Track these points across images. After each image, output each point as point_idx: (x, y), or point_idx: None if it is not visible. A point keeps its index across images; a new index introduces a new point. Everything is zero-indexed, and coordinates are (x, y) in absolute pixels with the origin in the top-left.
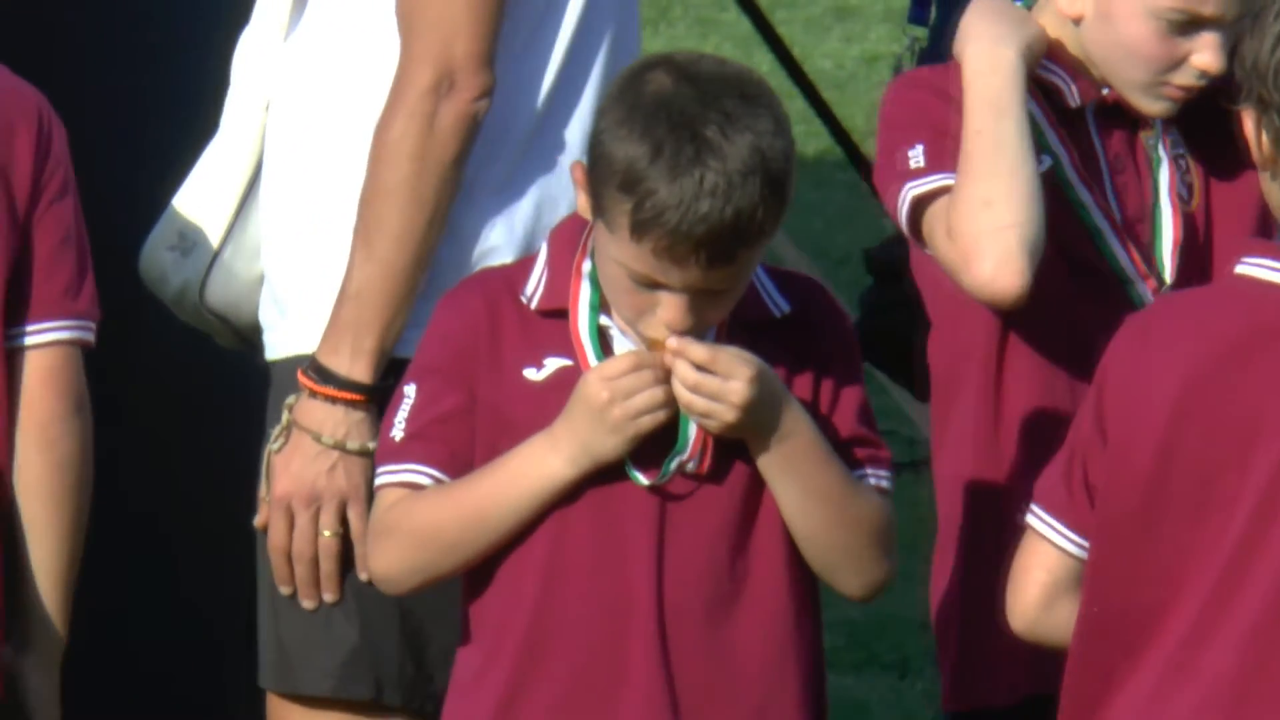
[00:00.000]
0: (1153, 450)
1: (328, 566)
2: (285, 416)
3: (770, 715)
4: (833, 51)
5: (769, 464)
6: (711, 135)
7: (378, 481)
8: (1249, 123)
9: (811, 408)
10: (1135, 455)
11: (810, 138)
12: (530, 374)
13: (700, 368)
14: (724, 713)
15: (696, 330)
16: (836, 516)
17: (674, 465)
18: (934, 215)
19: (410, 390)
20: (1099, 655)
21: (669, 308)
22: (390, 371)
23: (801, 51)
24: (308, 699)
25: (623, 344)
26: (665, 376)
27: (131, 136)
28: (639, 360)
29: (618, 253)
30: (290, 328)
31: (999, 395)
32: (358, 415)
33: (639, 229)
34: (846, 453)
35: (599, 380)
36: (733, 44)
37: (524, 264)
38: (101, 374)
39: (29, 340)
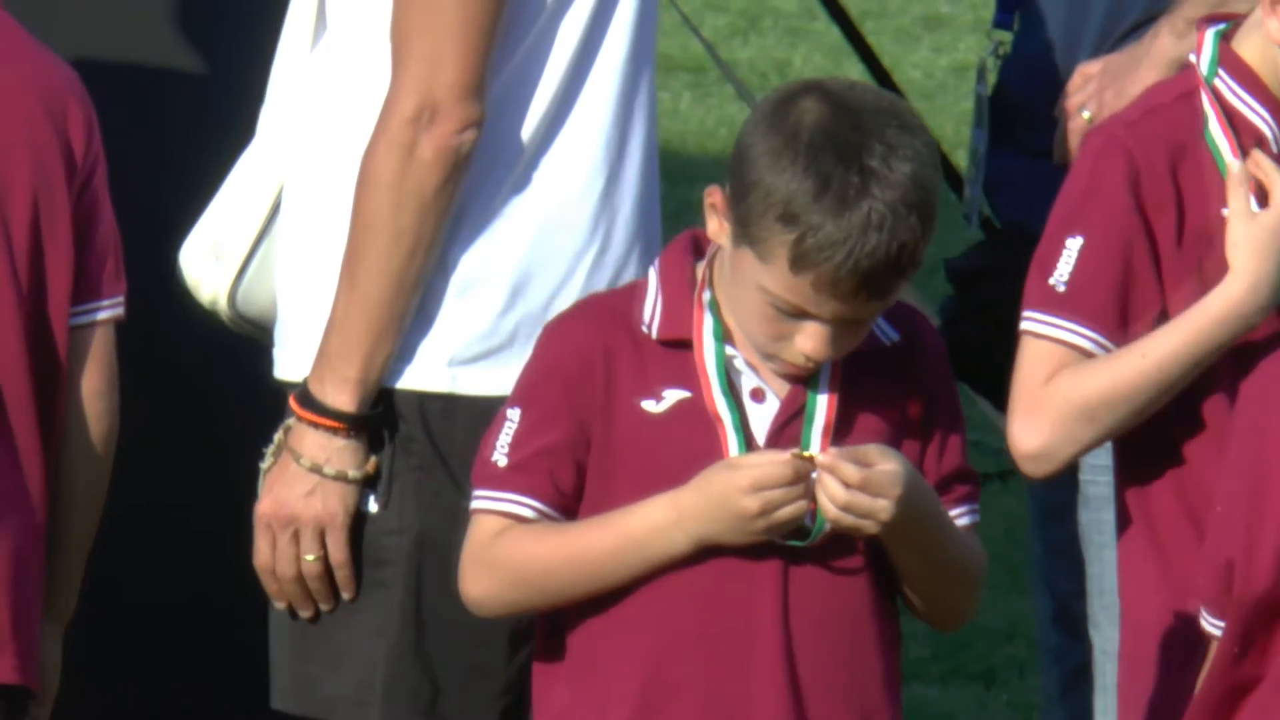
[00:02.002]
0: None
1: (315, 586)
2: (278, 437)
3: None
4: (922, 62)
5: (893, 541)
6: (877, 166)
7: (475, 505)
8: None
9: (921, 438)
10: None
11: None
12: (649, 406)
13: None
14: None
15: (832, 358)
16: (946, 577)
17: (796, 544)
18: (1039, 353)
19: (514, 415)
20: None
21: (811, 337)
22: (379, 400)
23: (891, 61)
24: None
25: (748, 377)
26: (809, 482)
27: (168, 142)
28: (795, 473)
29: (768, 282)
30: (291, 350)
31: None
32: (339, 443)
33: (800, 261)
34: (951, 487)
35: (752, 489)
36: (822, 54)
37: (631, 291)
38: (127, 373)
39: (83, 320)
